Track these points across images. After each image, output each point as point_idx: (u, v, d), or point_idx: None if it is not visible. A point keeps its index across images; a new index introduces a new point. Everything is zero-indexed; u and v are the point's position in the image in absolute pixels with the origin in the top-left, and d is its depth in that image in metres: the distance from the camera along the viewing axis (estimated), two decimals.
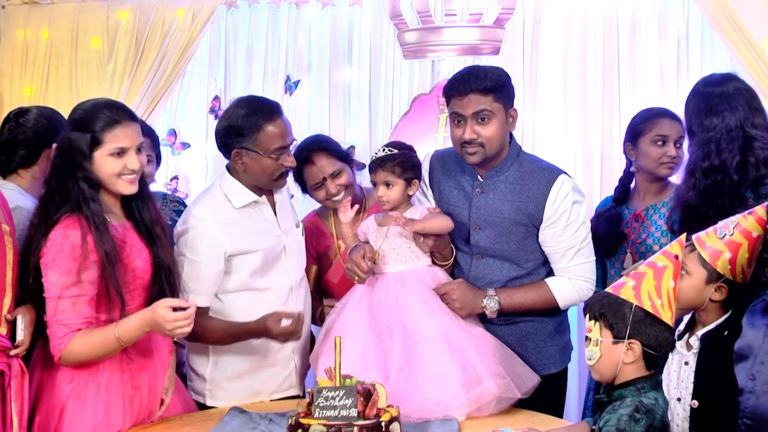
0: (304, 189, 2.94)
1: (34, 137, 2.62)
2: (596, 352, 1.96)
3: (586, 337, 2.01)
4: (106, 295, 2.25)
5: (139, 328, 2.21)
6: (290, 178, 3.81)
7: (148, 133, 2.91)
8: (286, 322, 2.45)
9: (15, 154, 2.63)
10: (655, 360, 1.96)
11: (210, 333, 2.53)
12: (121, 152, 2.28)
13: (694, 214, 2.54)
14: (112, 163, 2.28)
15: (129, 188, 2.32)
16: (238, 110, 2.53)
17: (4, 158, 2.66)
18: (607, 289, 2.01)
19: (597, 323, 1.97)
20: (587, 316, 2.00)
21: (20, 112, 2.71)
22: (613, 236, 2.94)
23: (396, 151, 2.56)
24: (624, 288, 1.97)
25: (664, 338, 1.95)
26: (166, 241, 2.45)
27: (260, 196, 2.60)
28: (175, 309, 2.18)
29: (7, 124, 2.68)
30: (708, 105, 2.58)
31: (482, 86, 2.47)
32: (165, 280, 2.37)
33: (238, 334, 2.54)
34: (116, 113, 2.30)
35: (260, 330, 2.49)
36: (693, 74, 3.57)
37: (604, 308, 1.96)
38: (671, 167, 2.90)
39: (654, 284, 1.95)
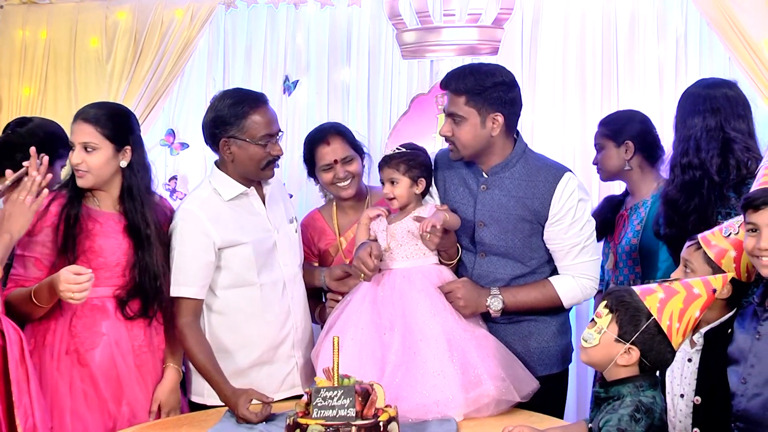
0: (311, 172, 2.94)
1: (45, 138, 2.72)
2: (595, 339, 1.94)
3: (592, 318, 1.99)
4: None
5: (47, 287, 2.27)
6: (291, 170, 3.88)
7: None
8: (255, 405, 2.36)
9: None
10: (648, 370, 1.95)
11: (193, 354, 2.49)
12: (73, 146, 2.45)
13: (674, 208, 2.63)
14: (72, 156, 2.46)
15: (79, 181, 2.45)
16: (224, 101, 2.55)
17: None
18: (635, 288, 1.98)
19: (610, 314, 1.95)
20: (604, 301, 1.98)
21: (21, 119, 2.89)
22: (601, 219, 2.97)
23: (404, 149, 2.59)
24: (651, 296, 1.94)
25: (664, 358, 1.94)
26: (158, 245, 2.48)
27: (248, 187, 2.60)
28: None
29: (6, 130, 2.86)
30: (693, 104, 2.68)
31: (454, 87, 2.49)
32: (150, 282, 2.43)
33: (211, 379, 2.46)
34: (81, 112, 2.48)
35: (231, 401, 2.39)
36: (691, 75, 3.56)
37: (622, 306, 1.94)
38: (598, 171, 3.07)
39: (681, 307, 1.92)
